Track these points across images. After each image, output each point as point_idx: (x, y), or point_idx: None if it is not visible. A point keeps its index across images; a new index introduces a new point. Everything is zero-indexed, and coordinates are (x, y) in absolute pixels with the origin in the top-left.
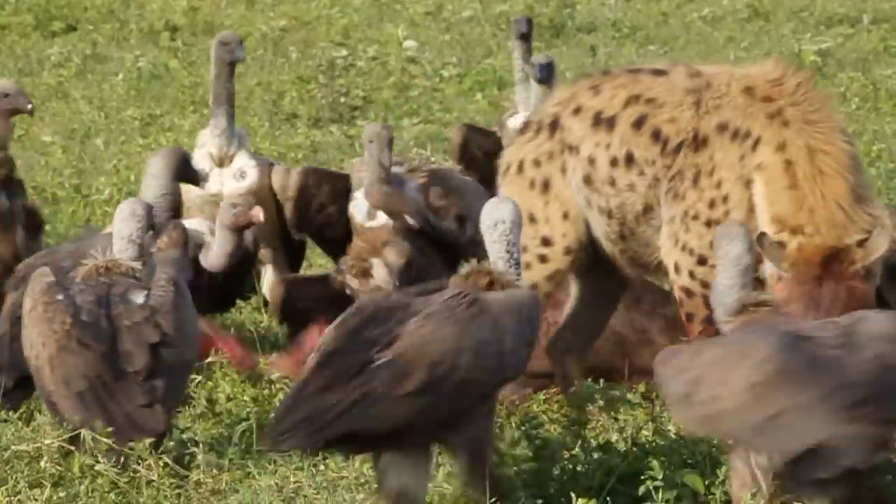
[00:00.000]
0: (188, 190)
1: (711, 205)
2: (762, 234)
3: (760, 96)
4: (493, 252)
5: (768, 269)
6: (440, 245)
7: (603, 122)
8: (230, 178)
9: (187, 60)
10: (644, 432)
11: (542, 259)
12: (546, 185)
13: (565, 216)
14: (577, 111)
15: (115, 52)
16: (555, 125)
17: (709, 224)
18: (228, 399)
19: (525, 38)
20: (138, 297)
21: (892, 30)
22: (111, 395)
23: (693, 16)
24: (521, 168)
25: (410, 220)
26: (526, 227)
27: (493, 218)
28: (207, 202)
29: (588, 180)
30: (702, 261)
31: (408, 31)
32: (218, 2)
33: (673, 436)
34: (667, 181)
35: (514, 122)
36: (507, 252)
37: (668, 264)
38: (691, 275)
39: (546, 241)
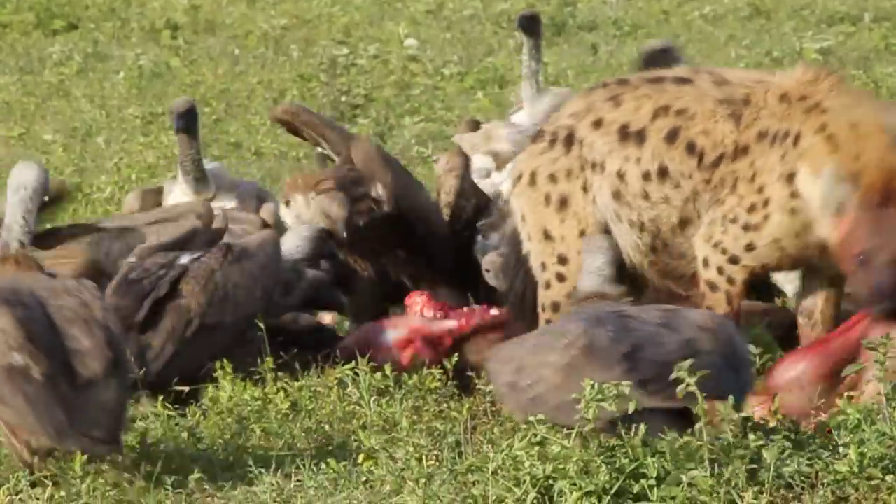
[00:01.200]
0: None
1: (751, 209)
2: (828, 171)
3: (797, 98)
4: (11, 214)
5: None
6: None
7: (631, 135)
8: None
9: (188, 59)
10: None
11: (560, 278)
12: (563, 203)
13: (582, 234)
14: (597, 124)
15: (117, 50)
16: (571, 139)
17: (746, 228)
18: (230, 398)
19: (533, 34)
20: (185, 258)
21: (893, 28)
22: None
23: (694, 14)
24: (533, 180)
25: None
26: (542, 245)
27: (17, 181)
28: None
29: (618, 195)
30: (733, 260)
31: (409, 30)
32: (219, 0)
33: (677, 434)
34: (708, 193)
35: (518, 118)
36: (23, 218)
37: (698, 258)
38: (720, 270)
39: (562, 260)
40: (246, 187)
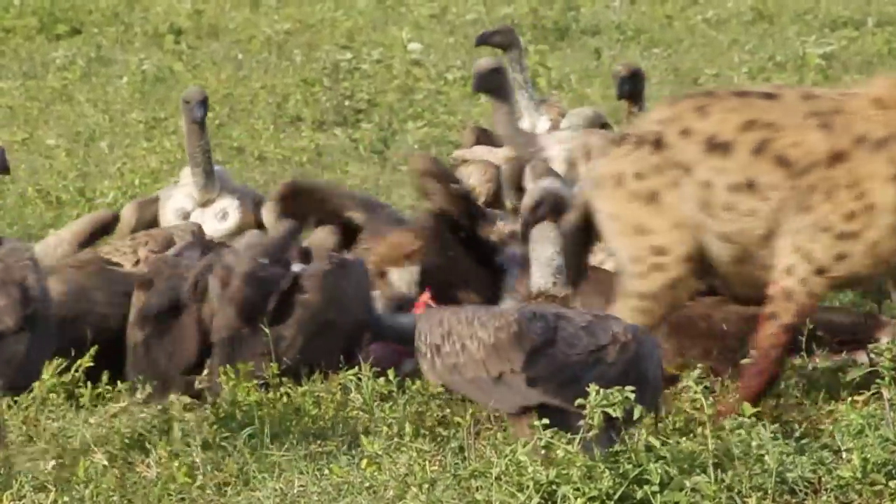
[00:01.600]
0: (166, 222)
1: (849, 217)
2: None
3: (893, 102)
4: None
5: None
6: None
7: (718, 146)
8: (211, 218)
9: (192, 63)
10: (651, 438)
11: (659, 268)
12: (653, 197)
13: (676, 225)
14: (685, 133)
15: (120, 54)
16: (659, 142)
17: (841, 236)
18: (233, 403)
19: (508, 47)
20: (297, 267)
21: None
22: (237, 344)
23: (697, 18)
24: (620, 181)
25: (456, 187)
26: (635, 239)
27: None
28: None
29: (704, 205)
30: (820, 271)
31: (412, 34)
32: (222, 5)
33: (680, 439)
34: (794, 200)
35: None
36: None
37: (780, 265)
38: (803, 281)
39: (660, 251)
40: (245, 190)
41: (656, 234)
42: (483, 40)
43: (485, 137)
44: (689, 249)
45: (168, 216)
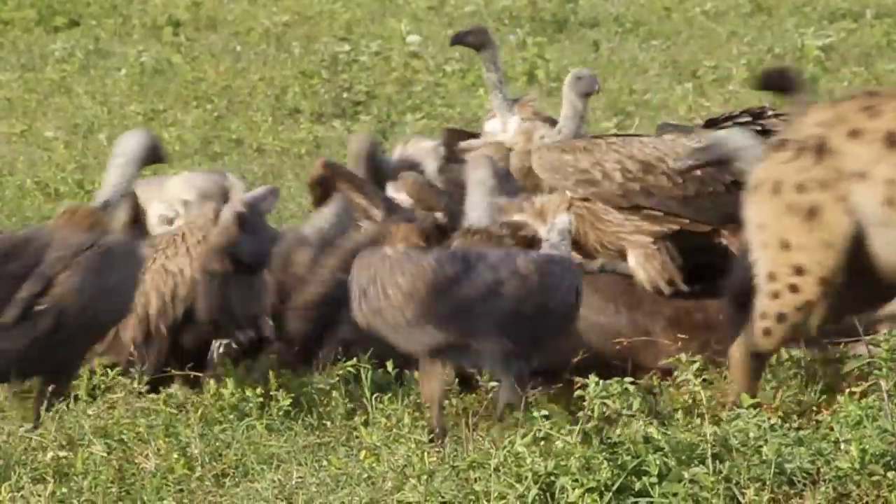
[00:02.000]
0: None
1: None
2: None
3: None
4: (106, 177)
5: None
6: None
7: None
8: None
9: (190, 55)
10: (650, 429)
11: (793, 289)
12: (812, 213)
13: (828, 245)
14: (854, 134)
15: (118, 47)
16: (822, 149)
17: None
18: (233, 394)
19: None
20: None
21: (895, 24)
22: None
23: (695, 10)
24: (777, 189)
25: (439, 216)
26: (777, 255)
27: (117, 149)
28: None
29: (891, 202)
30: None
31: (411, 26)
32: None
33: (678, 432)
34: None
35: (491, 126)
36: (114, 182)
37: None
38: None
39: (799, 270)
40: (212, 187)
41: (801, 251)
42: (457, 40)
43: (462, 136)
44: (828, 273)
45: (152, 220)
